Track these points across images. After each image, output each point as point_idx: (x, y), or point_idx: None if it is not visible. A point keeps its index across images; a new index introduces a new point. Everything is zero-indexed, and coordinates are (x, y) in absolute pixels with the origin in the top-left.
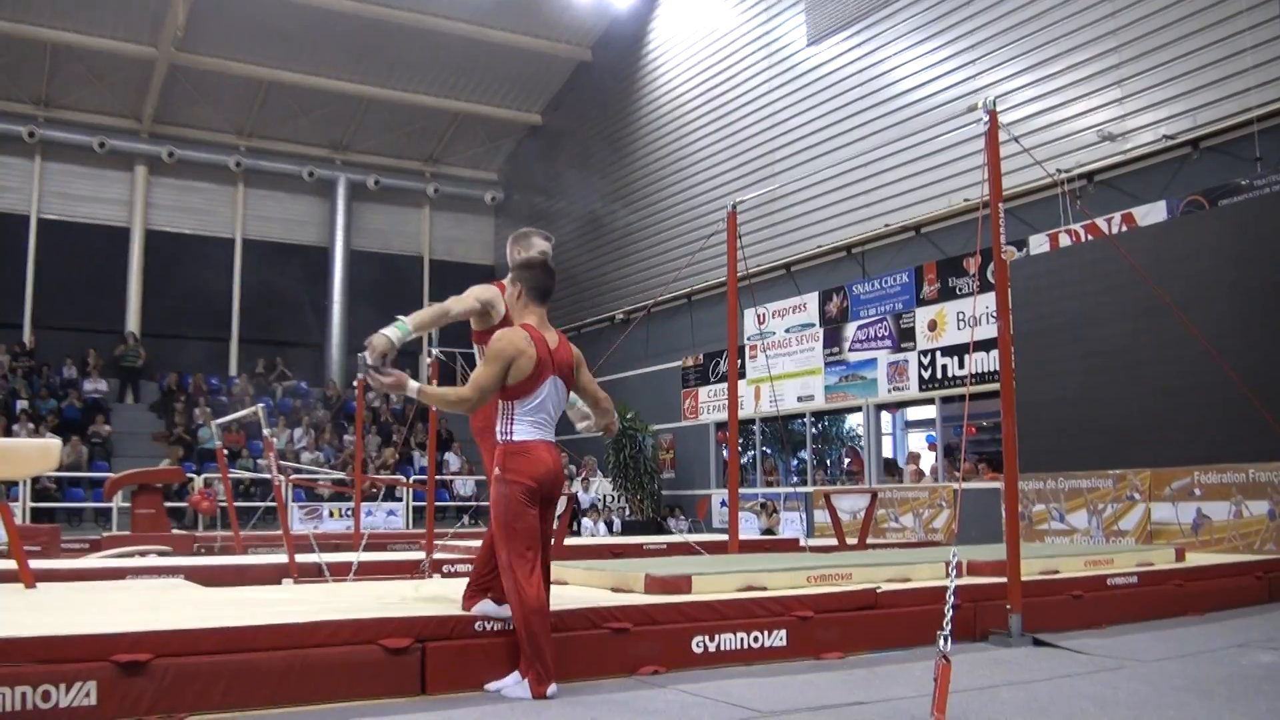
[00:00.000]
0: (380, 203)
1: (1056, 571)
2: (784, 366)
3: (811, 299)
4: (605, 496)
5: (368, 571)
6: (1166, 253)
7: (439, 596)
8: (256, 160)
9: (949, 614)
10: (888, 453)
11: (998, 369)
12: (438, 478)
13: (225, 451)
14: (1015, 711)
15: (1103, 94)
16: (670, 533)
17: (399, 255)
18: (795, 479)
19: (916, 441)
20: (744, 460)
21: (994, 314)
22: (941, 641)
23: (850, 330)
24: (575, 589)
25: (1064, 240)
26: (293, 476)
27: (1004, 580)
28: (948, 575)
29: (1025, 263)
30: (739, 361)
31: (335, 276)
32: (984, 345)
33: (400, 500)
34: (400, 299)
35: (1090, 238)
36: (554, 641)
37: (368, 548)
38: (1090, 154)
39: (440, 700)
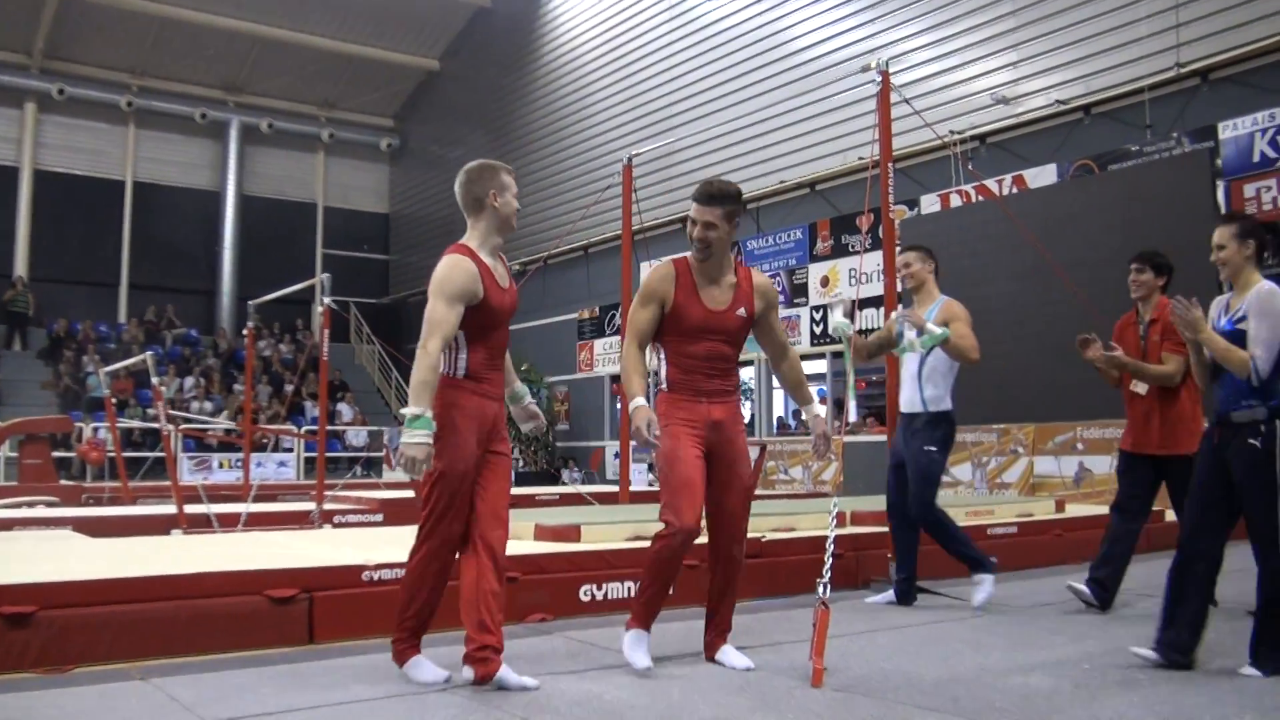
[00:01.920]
0: (274, 147)
1: None
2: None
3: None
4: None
5: (257, 522)
6: (1055, 214)
7: (328, 547)
8: (149, 100)
9: (829, 562)
10: (779, 406)
11: None
12: (330, 428)
13: (114, 400)
14: (892, 655)
15: (998, 57)
16: (563, 484)
17: (292, 201)
18: None
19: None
20: None
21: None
22: (821, 589)
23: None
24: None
25: (955, 200)
26: (182, 426)
27: (886, 530)
28: (829, 525)
29: (916, 221)
30: None
31: (227, 222)
32: (875, 302)
33: (291, 451)
34: (293, 246)
35: (981, 198)
36: (438, 592)
37: (258, 499)
38: (984, 116)
39: (327, 649)
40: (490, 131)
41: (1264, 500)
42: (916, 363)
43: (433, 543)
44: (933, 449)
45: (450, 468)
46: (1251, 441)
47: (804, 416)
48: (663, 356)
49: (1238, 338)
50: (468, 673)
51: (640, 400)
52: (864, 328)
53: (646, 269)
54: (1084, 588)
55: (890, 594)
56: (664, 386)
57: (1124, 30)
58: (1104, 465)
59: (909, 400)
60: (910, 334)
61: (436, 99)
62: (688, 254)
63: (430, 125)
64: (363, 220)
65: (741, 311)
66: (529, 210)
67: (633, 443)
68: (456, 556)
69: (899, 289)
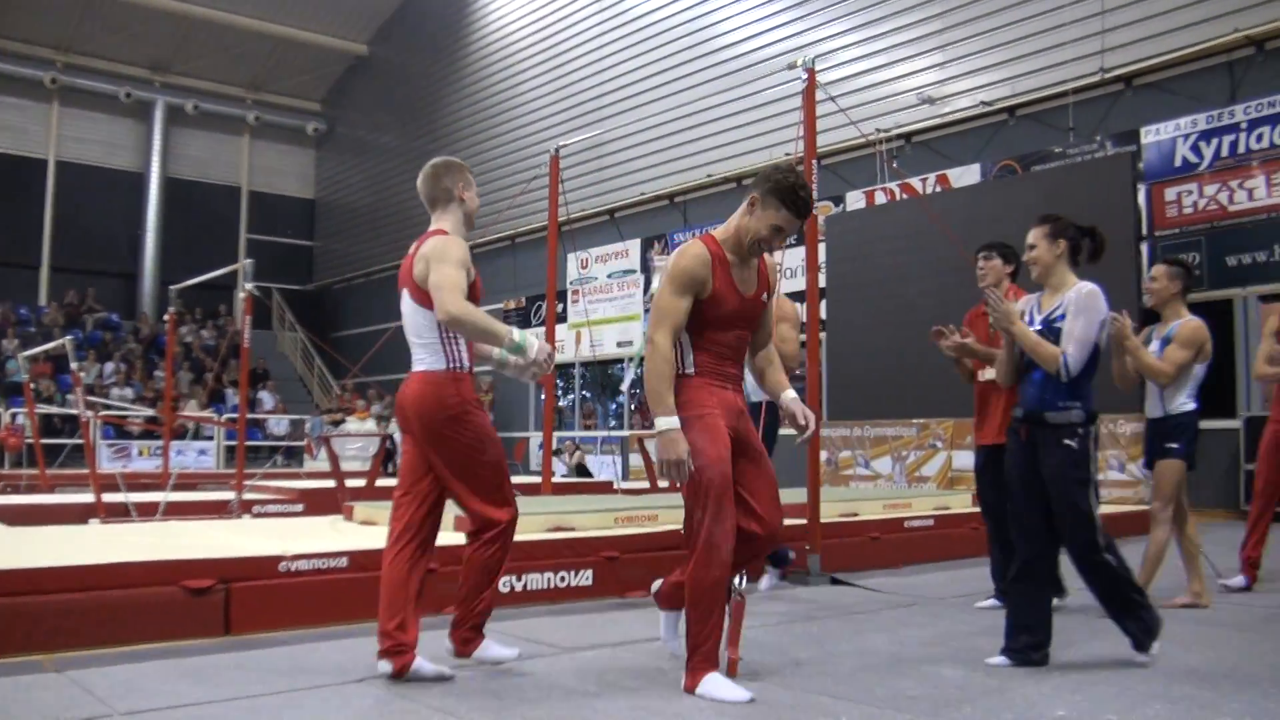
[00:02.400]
0: (199, 129)
1: (856, 514)
2: (605, 311)
3: (634, 245)
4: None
5: (176, 512)
6: (978, 213)
7: (246, 537)
8: (73, 77)
9: None
10: None
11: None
12: (251, 416)
13: (32, 385)
14: (807, 645)
15: (924, 58)
16: None
17: (216, 185)
18: (613, 423)
19: None
20: (563, 404)
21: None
22: (737, 579)
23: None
24: (383, 529)
25: (880, 198)
26: (101, 413)
27: (805, 522)
28: None
29: (842, 218)
30: (560, 305)
31: (150, 204)
32: (798, 296)
33: (212, 439)
34: (216, 231)
35: (905, 196)
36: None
37: (177, 487)
38: (910, 115)
39: (244, 641)
40: (418, 119)
41: (1075, 499)
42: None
43: None
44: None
45: None
46: (1068, 442)
47: (781, 402)
48: (685, 342)
49: (1047, 337)
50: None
51: (674, 421)
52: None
53: (573, 260)
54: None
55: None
56: (690, 371)
57: (1050, 34)
58: None
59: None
60: None
61: (365, 84)
62: (713, 233)
63: (358, 111)
64: (288, 206)
65: (765, 296)
66: None
67: (565, 436)
68: None
69: (820, 285)
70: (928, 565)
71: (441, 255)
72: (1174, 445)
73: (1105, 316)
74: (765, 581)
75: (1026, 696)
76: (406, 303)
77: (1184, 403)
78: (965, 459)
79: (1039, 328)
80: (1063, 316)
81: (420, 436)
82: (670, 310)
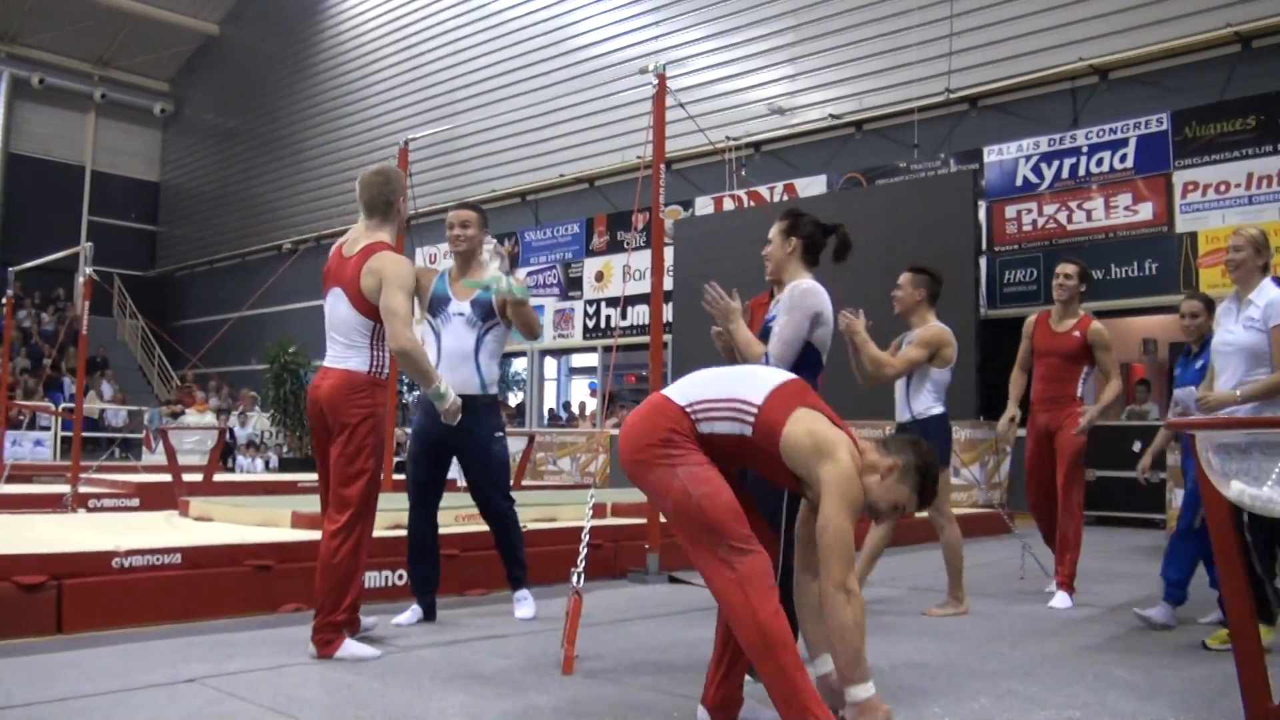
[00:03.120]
0: (44, 103)
1: None
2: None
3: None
4: (263, 433)
5: (8, 505)
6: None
7: (80, 532)
8: None
9: (583, 552)
10: (551, 398)
11: None
12: (88, 406)
13: None
14: (643, 642)
15: (776, 69)
16: None
17: (59, 163)
18: None
19: (580, 388)
20: (409, 399)
21: None
22: (574, 578)
23: (520, 276)
24: (221, 525)
25: (728, 204)
26: None
27: (644, 521)
28: (586, 516)
29: (690, 222)
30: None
31: None
32: (644, 299)
33: (49, 429)
34: (58, 211)
35: (752, 204)
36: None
37: (10, 479)
38: (760, 125)
39: (76, 639)
40: (268, 104)
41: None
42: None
43: None
44: None
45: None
46: None
47: None
48: None
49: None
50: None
51: (871, 688)
52: (638, 323)
53: (421, 255)
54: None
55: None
56: None
57: (898, 53)
58: None
59: None
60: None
61: (215, 66)
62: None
63: (207, 93)
64: (132, 188)
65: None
66: (303, 188)
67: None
68: None
69: (665, 286)
70: None
71: (395, 278)
72: None
73: (814, 312)
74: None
75: None
76: (341, 302)
77: (931, 406)
78: None
79: (769, 323)
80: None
81: (331, 427)
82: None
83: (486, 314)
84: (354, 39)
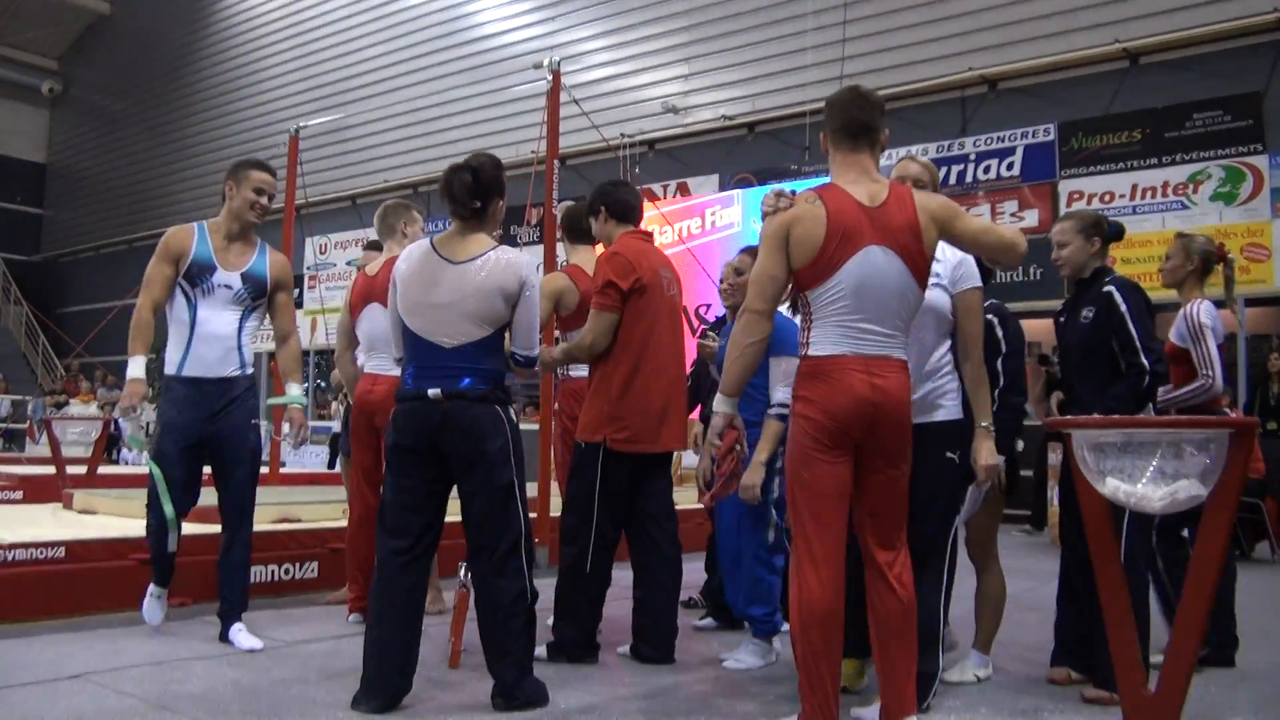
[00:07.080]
0: None
1: None
2: (342, 299)
3: (374, 233)
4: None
5: None
6: (717, 222)
7: None
8: None
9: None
10: None
11: None
12: None
13: None
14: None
15: (670, 69)
16: None
17: None
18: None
19: None
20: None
21: None
22: (463, 572)
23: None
24: (106, 519)
25: None
26: None
27: (534, 515)
28: None
29: None
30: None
31: None
32: None
33: None
34: None
35: (645, 201)
36: None
37: None
38: (654, 123)
39: None
40: (158, 87)
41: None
42: None
43: None
44: None
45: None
46: None
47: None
48: None
49: None
50: None
51: None
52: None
53: (310, 245)
54: None
55: None
56: None
57: (792, 56)
58: None
59: None
60: None
61: (105, 46)
62: None
63: (98, 72)
64: (17, 168)
65: None
66: (192, 174)
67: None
68: None
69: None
70: None
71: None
72: None
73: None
74: None
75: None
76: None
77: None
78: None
79: None
80: None
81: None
82: None
83: (257, 293)
84: (246, 24)
